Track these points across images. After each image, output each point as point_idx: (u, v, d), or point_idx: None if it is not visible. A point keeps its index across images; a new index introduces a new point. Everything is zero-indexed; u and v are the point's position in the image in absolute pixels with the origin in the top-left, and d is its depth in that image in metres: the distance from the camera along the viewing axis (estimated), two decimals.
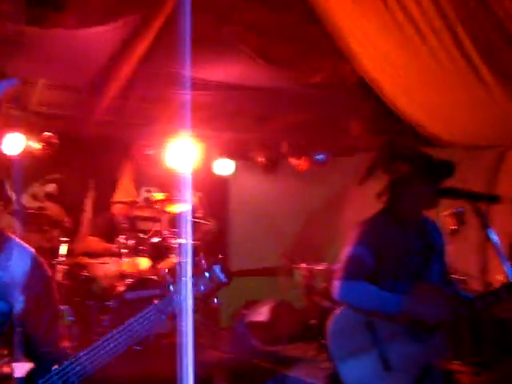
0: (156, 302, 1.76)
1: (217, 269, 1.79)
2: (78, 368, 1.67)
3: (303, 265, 5.60)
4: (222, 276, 1.77)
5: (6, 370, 1.68)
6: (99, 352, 1.68)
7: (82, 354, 1.70)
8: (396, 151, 2.60)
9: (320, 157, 6.17)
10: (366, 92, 4.14)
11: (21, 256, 1.71)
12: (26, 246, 1.76)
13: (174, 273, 1.77)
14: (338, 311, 2.48)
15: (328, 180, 6.57)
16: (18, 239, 1.76)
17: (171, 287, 1.77)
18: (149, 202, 5.82)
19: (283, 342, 5.04)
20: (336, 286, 2.44)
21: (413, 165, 2.47)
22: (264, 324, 5.79)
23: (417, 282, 2.41)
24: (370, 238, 2.46)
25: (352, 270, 2.42)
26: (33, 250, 1.75)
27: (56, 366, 1.66)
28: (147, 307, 1.77)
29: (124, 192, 5.77)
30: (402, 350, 2.36)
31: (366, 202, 2.82)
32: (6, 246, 1.72)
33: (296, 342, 5.24)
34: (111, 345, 1.70)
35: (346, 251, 2.48)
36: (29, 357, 1.68)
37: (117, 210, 5.68)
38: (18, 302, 1.65)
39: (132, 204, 5.62)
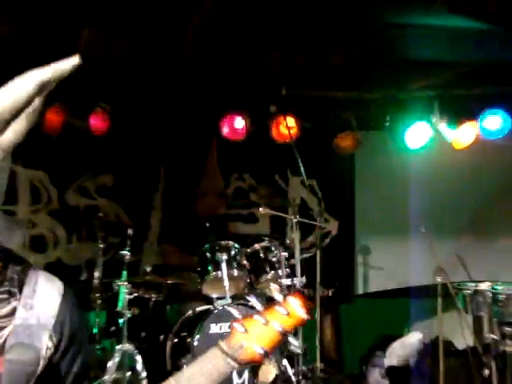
0: (222, 342, 1.83)
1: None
2: None
3: (471, 284, 5.31)
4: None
5: None
6: None
7: None
8: None
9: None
10: None
11: (48, 292, 1.77)
12: (54, 279, 1.81)
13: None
14: None
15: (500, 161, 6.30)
16: (44, 272, 1.80)
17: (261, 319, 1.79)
18: (242, 195, 5.92)
19: None
20: None
21: None
22: (410, 371, 5.70)
23: None
24: None
25: None
26: (62, 284, 1.80)
27: None
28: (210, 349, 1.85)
29: (210, 182, 5.78)
30: None
31: None
32: (30, 281, 1.76)
33: None
34: None
35: None
36: None
37: (200, 206, 5.68)
38: (47, 349, 1.73)
39: (220, 198, 5.65)
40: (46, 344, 1.73)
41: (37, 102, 1.59)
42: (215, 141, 6.01)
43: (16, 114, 1.63)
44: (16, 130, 1.59)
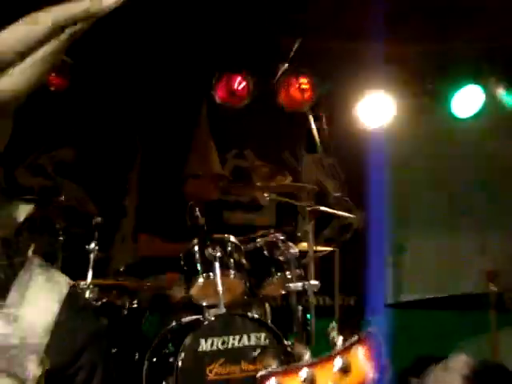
0: None
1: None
2: None
3: None
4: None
5: None
6: None
7: None
8: None
9: None
10: None
11: (42, 298, 1.68)
12: (58, 277, 1.77)
13: None
14: None
15: None
16: (44, 267, 1.74)
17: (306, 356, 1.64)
18: (242, 177, 5.98)
19: None
20: None
21: None
22: None
23: None
24: None
25: None
26: (67, 285, 1.76)
27: None
28: None
29: (203, 160, 5.69)
30: None
31: None
32: (20, 281, 1.67)
33: None
34: None
35: None
36: None
37: (191, 191, 5.67)
38: (34, 379, 1.65)
39: (215, 179, 5.63)
40: (33, 372, 1.62)
41: (53, 46, 1.50)
42: (205, 107, 5.92)
43: (22, 54, 1.54)
44: (19, 78, 1.49)
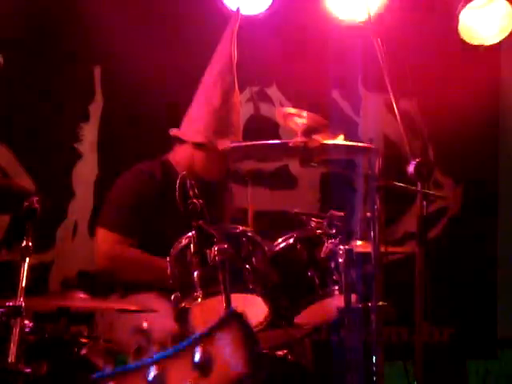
0: None
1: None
2: None
3: None
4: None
5: None
6: None
7: None
8: None
9: None
10: None
11: None
12: None
13: None
14: None
15: None
16: None
17: None
18: (265, 131, 6.08)
19: None
20: None
21: None
22: None
23: None
24: None
25: None
26: None
27: None
28: None
29: (215, 118, 5.71)
30: None
31: None
32: None
33: None
34: None
35: None
36: None
37: (180, 154, 5.76)
38: None
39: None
40: None
41: None
42: (237, 20, 5.84)
43: None
44: None
